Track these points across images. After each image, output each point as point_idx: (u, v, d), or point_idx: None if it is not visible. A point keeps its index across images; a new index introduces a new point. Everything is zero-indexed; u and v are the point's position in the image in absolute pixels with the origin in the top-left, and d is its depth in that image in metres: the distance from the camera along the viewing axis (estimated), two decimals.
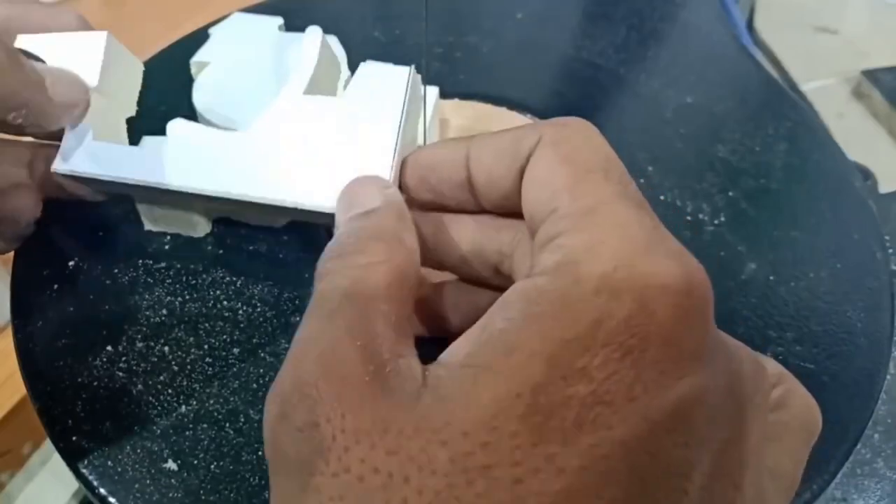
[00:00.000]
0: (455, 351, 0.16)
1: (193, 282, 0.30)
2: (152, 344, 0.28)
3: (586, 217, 0.17)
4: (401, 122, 0.25)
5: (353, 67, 0.28)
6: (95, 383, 0.27)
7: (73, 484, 0.49)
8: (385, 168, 0.24)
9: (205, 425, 0.26)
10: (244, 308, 0.29)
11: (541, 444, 0.14)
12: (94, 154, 0.26)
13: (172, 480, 0.24)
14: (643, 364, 0.15)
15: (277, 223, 0.31)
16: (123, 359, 0.28)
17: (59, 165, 0.26)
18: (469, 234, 0.23)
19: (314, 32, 0.29)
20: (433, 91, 0.33)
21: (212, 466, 0.25)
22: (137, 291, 0.29)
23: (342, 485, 0.15)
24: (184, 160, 0.26)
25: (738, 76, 0.43)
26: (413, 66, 0.26)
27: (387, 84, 0.26)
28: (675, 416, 0.15)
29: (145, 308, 0.29)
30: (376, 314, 0.17)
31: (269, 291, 0.30)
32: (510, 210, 0.21)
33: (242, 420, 0.26)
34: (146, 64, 0.30)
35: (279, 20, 0.37)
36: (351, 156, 0.25)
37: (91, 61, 0.26)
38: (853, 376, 0.28)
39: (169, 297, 0.29)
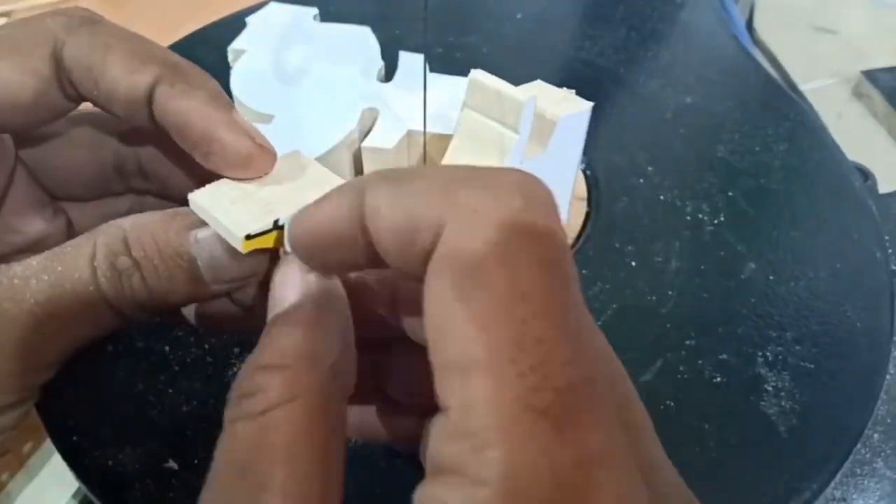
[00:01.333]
0: None
1: None
2: (153, 343, 0.28)
3: (480, 459, 0.13)
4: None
5: None
6: (96, 383, 0.27)
7: (74, 483, 0.49)
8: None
9: (205, 425, 0.26)
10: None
11: None
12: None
13: (173, 480, 0.24)
14: None
15: None
16: (124, 358, 0.28)
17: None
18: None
19: (531, 104, 0.28)
20: (465, 82, 0.34)
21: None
22: None
23: None
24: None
25: (738, 76, 0.43)
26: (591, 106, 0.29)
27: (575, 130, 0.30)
28: None
29: None
30: (274, 494, 0.14)
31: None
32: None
33: None
34: (178, 44, 0.30)
35: (314, 10, 0.38)
36: None
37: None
38: (853, 376, 0.28)
39: None
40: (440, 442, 0.13)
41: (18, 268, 0.19)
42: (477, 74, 0.30)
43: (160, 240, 0.20)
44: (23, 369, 0.19)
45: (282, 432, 0.15)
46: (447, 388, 0.13)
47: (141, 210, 0.23)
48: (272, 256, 0.20)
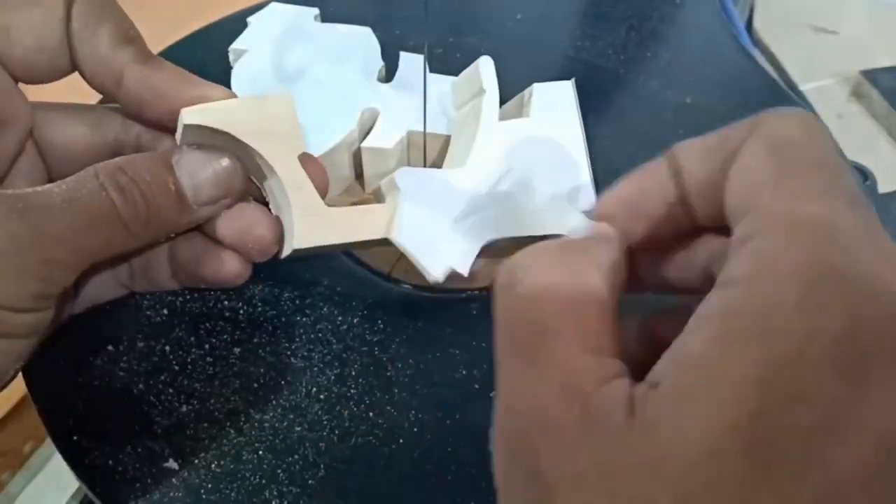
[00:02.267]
0: (660, 372, 0.15)
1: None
2: (153, 343, 0.28)
3: (786, 217, 0.15)
4: (583, 133, 0.29)
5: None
6: (96, 383, 0.27)
7: (74, 483, 0.49)
8: (585, 178, 0.28)
9: (205, 425, 0.26)
10: (245, 307, 0.29)
11: (770, 481, 0.13)
12: (330, 223, 0.25)
13: (173, 479, 0.24)
14: (868, 383, 0.13)
15: None
16: (124, 358, 0.28)
17: (301, 243, 0.25)
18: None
19: (488, 62, 0.31)
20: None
21: (212, 465, 0.25)
22: (138, 291, 0.29)
23: None
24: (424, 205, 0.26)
25: (738, 76, 0.43)
26: (573, 80, 0.30)
27: (559, 101, 0.30)
28: None
29: (146, 308, 0.29)
30: (571, 345, 0.16)
31: (270, 291, 0.30)
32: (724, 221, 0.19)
33: (243, 419, 0.26)
34: (179, 44, 0.30)
35: (315, 10, 0.38)
36: (553, 176, 0.28)
37: (287, 127, 0.24)
38: None
39: (170, 297, 0.29)
40: (746, 226, 0.16)
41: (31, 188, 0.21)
42: (453, 80, 0.33)
43: (148, 165, 0.23)
44: (37, 271, 0.21)
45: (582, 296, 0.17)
46: (755, 197, 0.16)
47: None
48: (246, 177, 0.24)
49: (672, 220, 0.20)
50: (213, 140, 0.24)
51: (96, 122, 0.26)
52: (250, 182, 0.26)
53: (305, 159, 0.25)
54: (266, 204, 0.26)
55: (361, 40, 0.37)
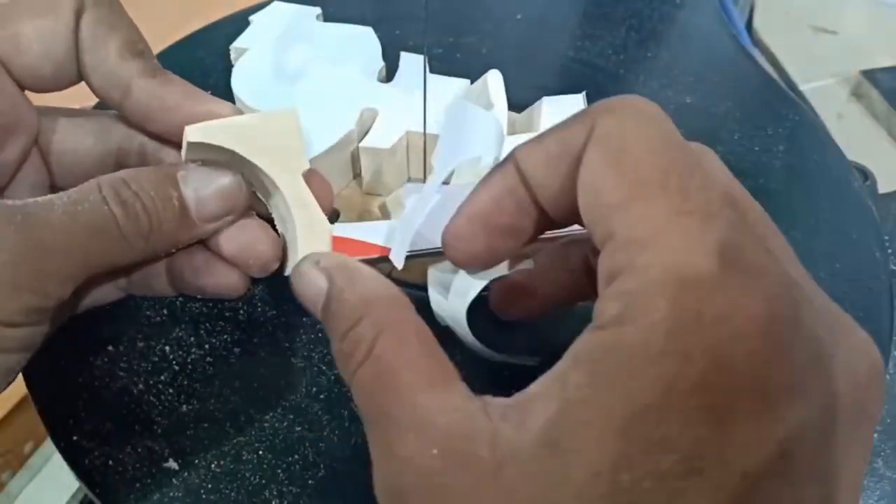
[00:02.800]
0: (526, 406, 0.16)
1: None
2: (153, 343, 0.28)
3: (642, 253, 0.15)
4: None
5: None
6: (96, 383, 0.27)
7: (74, 483, 0.49)
8: None
9: (205, 424, 0.26)
10: (245, 308, 0.29)
11: None
12: (331, 240, 0.25)
13: (173, 479, 0.24)
14: (730, 421, 0.14)
15: None
16: (124, 358, 0.28)
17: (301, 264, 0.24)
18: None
19: (496, 75, 0.31)
20: (465, 84, 0.35)
21: (212, 465, 0.25)
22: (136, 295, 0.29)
23: None
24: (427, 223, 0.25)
25: (738, 77, 0.43)
26: (584, 93, 0.29)
27: (570, 113, 0.28)
28: (777, 462, 0.14)
29: (146, 308, 0.29)
30: (405, 395, 0.17)
31: (270, 291, 0.30)
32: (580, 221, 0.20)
33: (243, 419, 0.26)
34: (182, 42, 0.30)
35: (317, 10, 0.38)
36: None
37: (291, 144, 0.24)
38: None
39: (170, 297, 0.29)
40: (608, 259, 0.16)
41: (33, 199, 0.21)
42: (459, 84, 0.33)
43: (153, 179, 0.22)
44: (33, 285, 0.20)
45: (388, 352, 0.18)
46: (609, 223, 0.16)
47: None
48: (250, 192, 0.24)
49: (530, 221, 0.20)
50: (217, 156, 0.24)
51: (101, 129, 0.26)
52: (255, 198, 0.26)
53: (310, 176, 0.25)
54: (270, 220, 0.26)
55: (362, 40, 0.37)
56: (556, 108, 0.29)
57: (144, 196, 0.22)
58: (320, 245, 0.25)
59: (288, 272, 0.25)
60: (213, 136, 0.23)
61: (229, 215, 0.24)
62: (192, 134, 0.23)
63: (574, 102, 0.29)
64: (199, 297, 0.28)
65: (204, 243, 0.25)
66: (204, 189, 0.23)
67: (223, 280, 0.25)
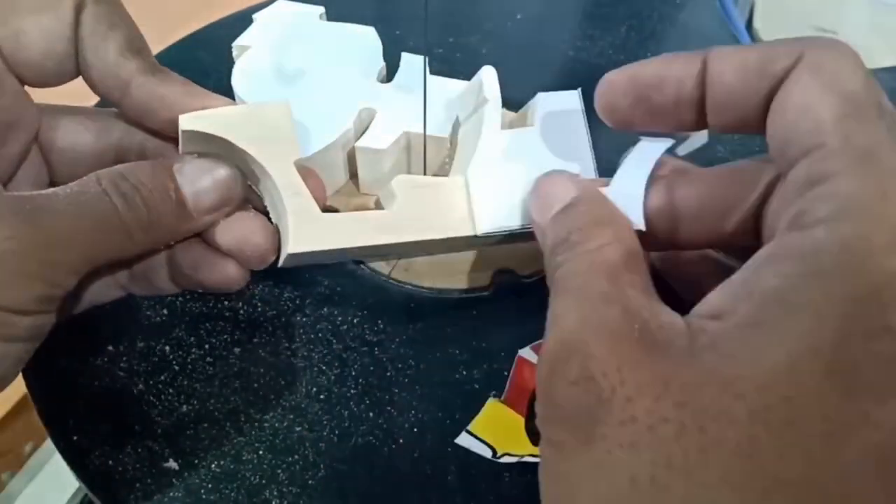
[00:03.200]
0: (717, 307, 0.16)
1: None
2: (153, 343, 0.28)
3: (864, 161, 0.16)
4: (589, 142, 0.28)
5: None
6: (96, 383, 0.27)
7: (74, 483, 0.49)
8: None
9: (205, 425, 0.26)
10: (245, 308, 0.29)
11: (852, 401, 0.14)
12: (327, 228, 0.25)
13: (173, 480, 0.24)
14: None
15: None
16: (124, 358, 0.28)
17: (295, 247, 0.25)
18: (704, 191, 0.22)
19: (490, 71, 0.31)
20: (463, 85, 0.35)
21: (212, 465, 0.25)
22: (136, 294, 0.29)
23: (632, 433, 0.15)
24: (417, 214, 0.26)
25: None
26: (580, 89, 0.28)
27: (565, 110, 0.29)
28: None
29: (146, 308, 0.29)
30: (623, 282, 0.18)
31: (270, 291, 0.30)
32: (740, 131, 0.20)
33: (243, 419, 0.26)
34: (184, 40, 0.30)
35: (321, 9, 0.38)
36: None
37: (283, 134, 0.24)
38: None
39: (170, 297, 0.29)
40: (816, 165, 0.16)
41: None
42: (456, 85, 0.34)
43: (149, 172, 0.23)
44: (41, 274, 0.21)
45: (617, 253, 0.19)
46: (820, 135, 0.17)
47: None
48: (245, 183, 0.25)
49: (677, 118, 0.21)
50: (212, 147, 0.24)
51: (101, 127, 0.26)
52: (252, 191, 0.26)
53: (304, 173, 0.25)
54: (266, 213, 0.26)
55: (364, 40, 0.37)
56: (552, 104, 0.29)
57: (142, 188, 0.23)
58: (312, 233, 0.25)
59: (282, 263, 0.25)
60: (206, 125, 0.23)
61: (226, 207, 0.24)
62: (185, 122, 0.23)
63: (570, 99, 0.29)
64: (199, 291, 0.28)
65: (202, 236, 0.25)
66: (201, 181, 0.24)
67: (221, 274, 0.25)
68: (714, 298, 0.17)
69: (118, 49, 0.24)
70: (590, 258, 0.19)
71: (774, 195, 0.20)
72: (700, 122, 0.21)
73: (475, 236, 0.27)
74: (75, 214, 0.21)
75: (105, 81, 0.24)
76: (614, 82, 0.22)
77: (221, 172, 0.24)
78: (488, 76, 0.30)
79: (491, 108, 0.29)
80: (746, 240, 0.22)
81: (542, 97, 0.29)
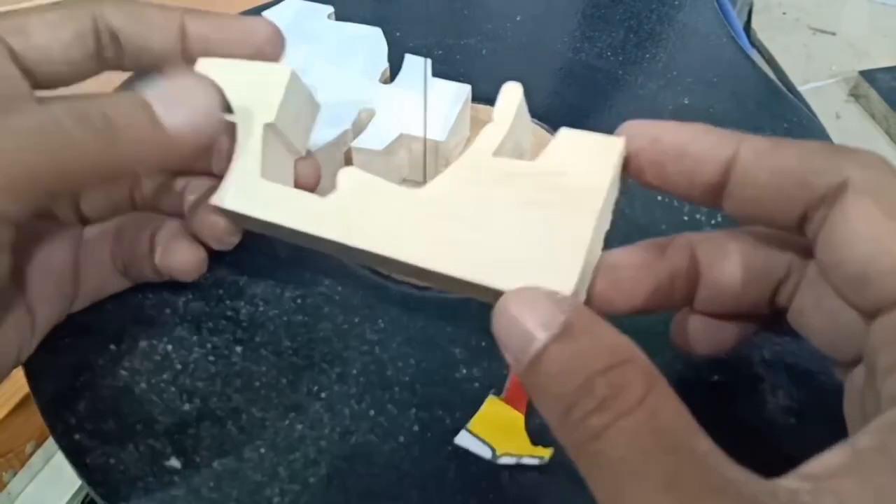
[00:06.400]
0: (840, 468, 0.15)
1: (196, 280, 0.30)
2: (155, 343, 0.28)
3: None
4: (600, 210, 0.20)
5: None
6: (98, 382, 0.27)
7: (76, 482, 0.49)
8: (569, 278, 0.20)
9: (207, 423, 0.26)
10: (246, 307, 0.30)
11: None
12: (260, 194, 0.24)
13: (175, 478, 0.25)
14: None
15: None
16: (126, 357, 0.28)
17: (220, 201, 0.24)
18: (741, 260, 0.22)
19: (514, 87, 0.24)
20: (465, 89, 0.35)
21: (214, 464, 0.25)
22: (140, 290, 0.30)
23: None
24: (354, 215, 0.23)
25: (736, 77, 0.43)
26: (624, 139, 0.21)
27: (592, 157, 0.21)
28: None
29: (148, 307, 0.29)
30: (702, 451, 0.15)
31: (272, 290, 0.30)
32: (757, 224, 0.20)
33: (245, 418, 0.26)
34: None
35: (330, 9, 0.38)
36: (536, 241, 0.21)
37: (270, 97, 0.25)
38: None
39: (172, 297, 0.30)
40: None
41: None
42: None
43: (118, 95, 0.22)
44: (21, 175, 0.19)
45: (669, 409, 0.16)
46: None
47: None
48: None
49: (682, 192, 0.20)
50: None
51: (71, 15, 0.25)
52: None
53: (302, 159, 0.25)
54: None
55: (369, 40, 0.37)
56: (576, 145, 0.22)
57: (104, 100, 0.21)
58: (244, 194, 0.25)
59: (211, 202, 0.25)
60: (212, 71, 0.25)
61: (204, 129, 0.23)
62: (200, 65, 0.25)
63: (609, 145, 0.22)
64: (159, 279, 0.28)
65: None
66: (175, 106, 0.22)
67: (181, 259, 0.26)
68: (834, 460, 0.15)
69: (155, 9, 0.25)
70: (644, 424, 0.15)
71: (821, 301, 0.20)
72: (710, 203, 0.20)
73: (420, 268, 0.22)
74: (5, 130, 0.19)
75: (157, 32, 0.25)
76: (635, 138, 0.21)
77: (200, 100, 0.23)
78: (510, 95, 0.24)
79: (494, 130, 0.23)
80: (756, 308, 0.23)
81: (564, 134, 0.22)
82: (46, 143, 0.20)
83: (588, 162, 0.21)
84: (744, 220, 0.20)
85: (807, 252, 0.22)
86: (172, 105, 0.22)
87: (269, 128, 0.25)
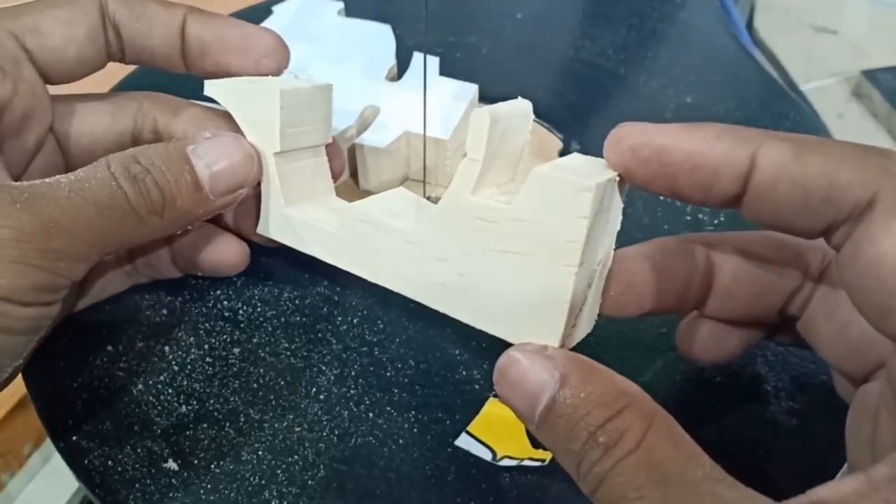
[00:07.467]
0: (856, 494, 0.15)
1: (193, 281, 0.30)
2: (152, 344, 0.28)
3: None
4: (581, 253, 0.19)
5: None
6: (96, 383, 0.27)
7: (74, 484, 0.49)
8: (554, 333, 0.20)
9: (205, 425, 0.26)
10: (244, 308, 0.29)
11: None
12: (289, 226, 0.26)
13: (173, 480, 0.24)
14: None
15: None
16: (124, 358, 0.28)
17: (265, 231, 0.27)
18: (757, 266, 0.21)
19: (481, 114, 0.20)
20: (472, 88, 0.34)
21: (212, 466, 0.25)
22: (138, 291, 0.29)
23: None
24: (363, 252, 0.24)
25: (738, 76, 0.43)
26: (615, 177, 0.20)
27: (566, 206, 0.19)
28: None
29: (146, 308, 0.29)
30: (683, 486, 0.16)
31: (269, 291, 0.30)
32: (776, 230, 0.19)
33: (242, 419, 0.26)
34: None
35: (339, 4, 0.38)
36: (520, 291, 0.21)
37: (271, 123, 0.25)
38: None
39: (169, 297, 0.29)
40: None
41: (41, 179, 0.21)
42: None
43: (163, 153, 0.23)
44: (41, 262, 0.20)
45: (663, 446, 0.16)
46: None
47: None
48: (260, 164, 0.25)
49: (696, 201, 0.19)
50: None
51: (115, 108, 0.26)
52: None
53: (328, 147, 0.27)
54: None
55: (378, 37, 0.37)
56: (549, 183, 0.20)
57: (155, 171, 0.22)
58: (274, 223, 0.26)
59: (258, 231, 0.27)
60: (220, 95, 0.25)
61: (243, 188, 0.24)
62: (207, 88, 0.25)
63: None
64: (200, 276, 0.28)
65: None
66: (216, 163, 0.23)
67: (219, 254, 0.25)
68: (847, 487, 0.15)
69: (158, 8, 0.25)
70: (640, 463, 0.16)
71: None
72: (729, 207, 0.19)
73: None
74: (78, 200, 0.21)
75: (157, 30, 0.25)
76: (636, 149, 0.18)
77: (237, 154, 0.24)
78: (476, 125, 0.20)
79: (470, 167, 0.20)
80: (767, 316, 0.22)
81: (537, 175, 0.19)
82: (115, 218, 0.21)
83: (562, 212, 0.19)
84: (762, 226, 0.19)
85: (823, 261, 0.21)
86: (217, 176, 0.23)
87: (280, 155, 0.25)
